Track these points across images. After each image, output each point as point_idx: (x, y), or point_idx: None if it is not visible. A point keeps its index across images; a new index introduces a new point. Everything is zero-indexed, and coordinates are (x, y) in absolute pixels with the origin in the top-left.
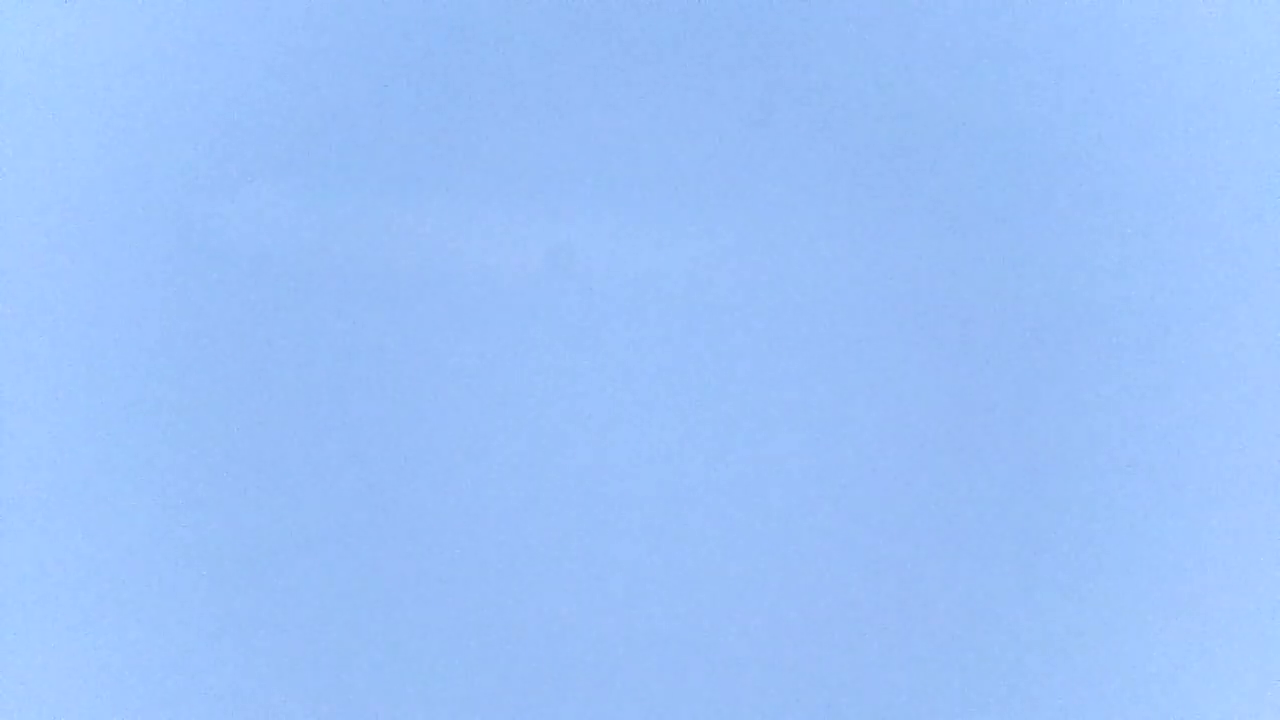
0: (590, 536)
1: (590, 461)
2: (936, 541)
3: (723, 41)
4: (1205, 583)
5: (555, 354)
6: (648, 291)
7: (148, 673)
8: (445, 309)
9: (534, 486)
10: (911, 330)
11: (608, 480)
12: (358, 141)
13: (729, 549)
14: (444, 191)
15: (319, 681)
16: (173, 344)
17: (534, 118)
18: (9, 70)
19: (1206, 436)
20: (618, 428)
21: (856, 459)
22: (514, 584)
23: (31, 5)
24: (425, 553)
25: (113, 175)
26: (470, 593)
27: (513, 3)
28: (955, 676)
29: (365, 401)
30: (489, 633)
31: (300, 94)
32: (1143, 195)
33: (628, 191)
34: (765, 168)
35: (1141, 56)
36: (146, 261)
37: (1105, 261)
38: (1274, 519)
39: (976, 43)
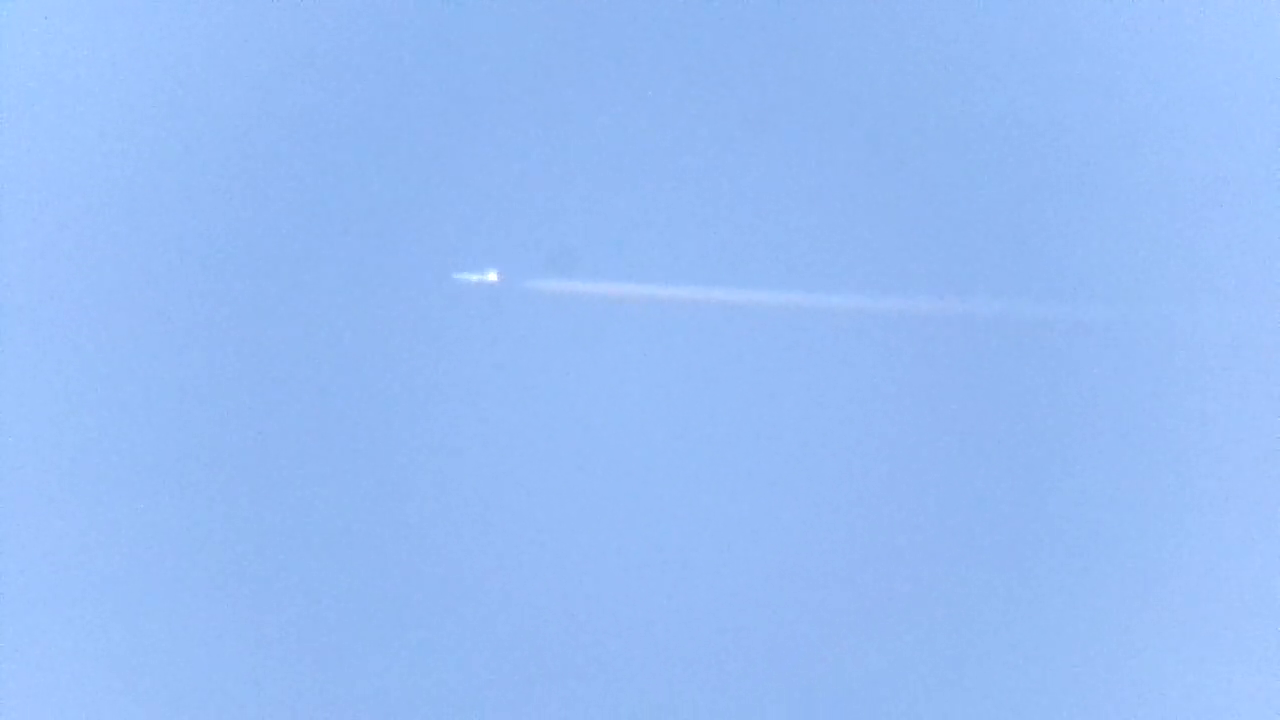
0: (589, 536)
1: (589, 461)
2: (936, 543)
3: (723, 43)
4: (1203, 584)
5: (556, 355)
6: (647, 293)
7: (147, 671)
8: (446, 310)
9: (532, 487)
10: (909, 328)
11: (605, 481)
12: (358, 143)
13: (728, 549)
14: (445, 193)
15: (319, 681)
16: (172, 345)
17: (534, 119)
18: (10, 70)
19: (1206, 437)
20: (617, 426)
21: (855, 456)
22: (509, 585)
23: (32, 5)
24: (423, 555)
25: (113, 175)
26: (466, 596)
27: (513, 4)
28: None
29: (365, 400)
30: (484, 639)
31: (301, 95)
32: (1141, 194)
33: (627, 193)
34: (764, 168)
35: (1140, 57)
36: (146, 261)
37: (1104, 262)
38: (1274, 519)
39: (976, 43)
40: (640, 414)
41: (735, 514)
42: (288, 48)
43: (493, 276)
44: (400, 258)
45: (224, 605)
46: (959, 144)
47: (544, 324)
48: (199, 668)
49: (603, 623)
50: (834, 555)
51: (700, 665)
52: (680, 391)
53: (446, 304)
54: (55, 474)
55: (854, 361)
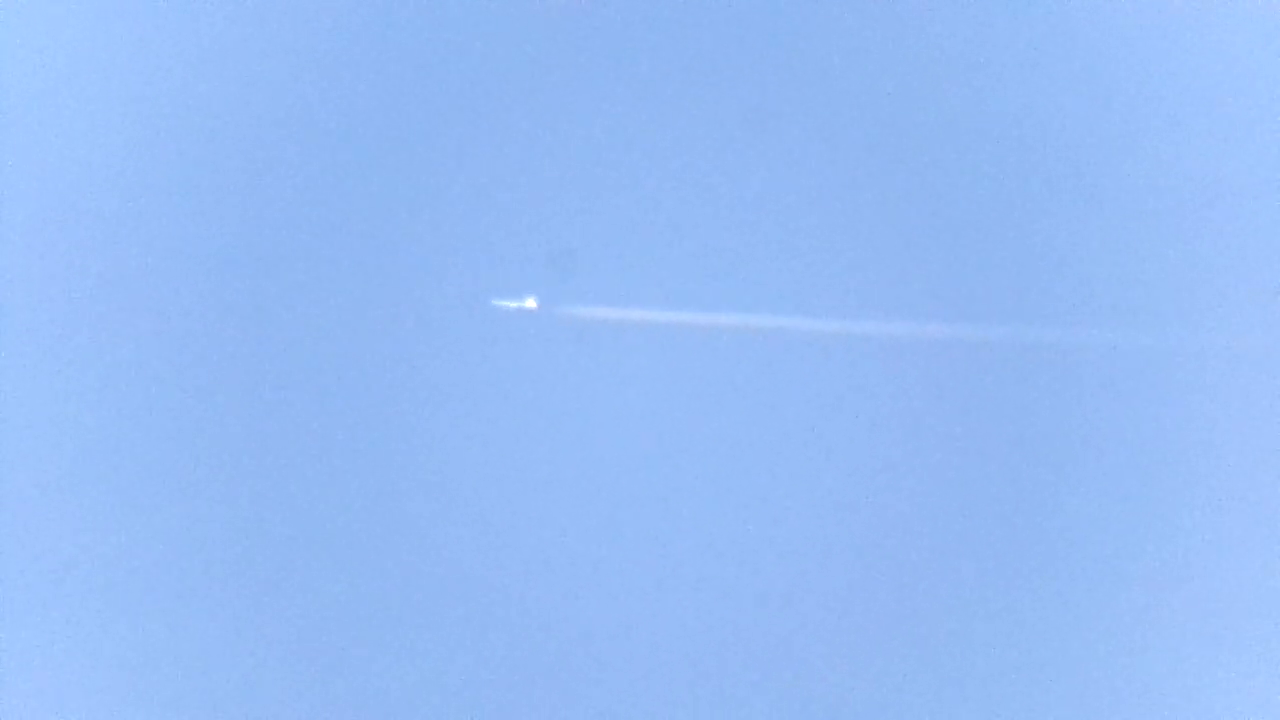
0: (589, 538)
1: (590, 461)
2: (936, 542)
3: (722, 43)
4: (1202, 585)
5: (592, 379)
6: (648, 294)
7: (147, 671)
8: (448, 311)
9: (532, 488)
10: (909, 328)
11: (605, 480)
12: (359, 144)
13: (731, 549)
14: (447, 194)
15: (319, 681)
16: (173, 345)
17: (535, 120)
18: (10, 70)
19: (1206, 437)
20: (619, 429)
21: (857, 459)
22: (507, 587)
23: (32, 5)
24: (422, 558)
25: (114, 175)
26: (465, 599)
27: (513, 5)
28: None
29: (365, 402)
30: (484, 640)
31: (301, 95)
32: (1139, 194)
33: (628, 194)
34: (764, 168)
35: (1140, 57)
36: (147, 261)
37: (1106, 282)
38: (1273, 519)
39: (977, 43)
40: (673, 436)
41: (774, 531)
42: (327, 63)
43: (531, 303)
44: (439, 283)
45: (265, 613)
46: (964, 165)
47: (581, 349)
48: (199, 668)
49: (651, 635)
50: (842, 566)
51: (703, 670)
52: (715, 414)
53: (486, 330)
54: (60, 474)
55: (883, 384)
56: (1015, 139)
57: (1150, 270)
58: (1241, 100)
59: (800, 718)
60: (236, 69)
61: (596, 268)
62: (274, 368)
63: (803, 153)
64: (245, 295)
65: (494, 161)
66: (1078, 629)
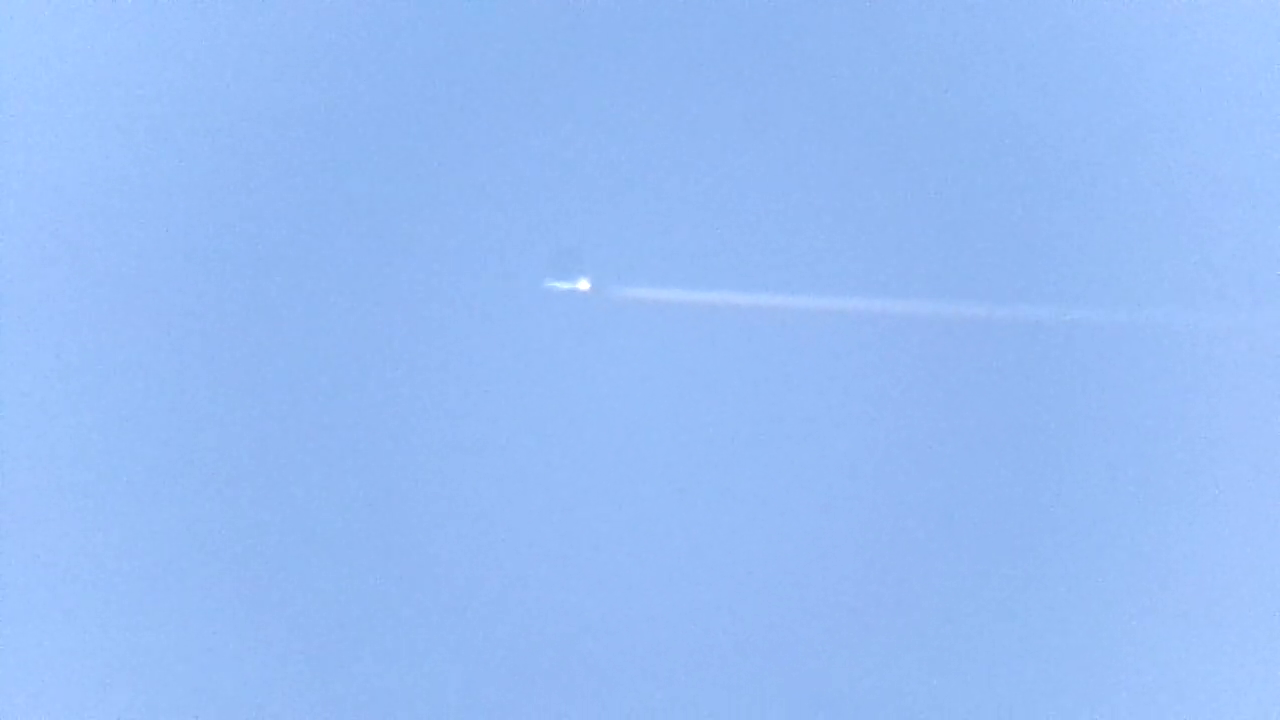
0: (589, 538)
1: (592, 461)
2: (945, 548)
3: (723, 43)
4: (1202, 584)
5: (559, 356)
6: (649, 293)
7: (148, 670)
8: (450, 312)
9: (534, 487)
10: (910, 328)
11: (608, 479)
12: (360, 144)
13: (733, 547)
14: (449, 194)
15: (319, 680)
16: (173, 345)
17: (537, 121)
18: (10, 70)
19: (1211, 442)
20: (621, 428)
21: (857, 454)
22: (508, 586)
23: (32, 5)
24: (422, 558)
25: (114, 175)
26: (466, 598)
27: (515, 6)
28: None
29: (366, 401)
30: (484, 639)
31: (303, 96)
32: (1146, 196)
33: (631, 194)
34: (764, 167)
35: (1141, 57)
36: (147, 261)
37: (1111, 265)
38: (1273, 519)
39: (977, 43)
40: (735, 421)
41: (805, 524)
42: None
43: (584, 285)
44: (491, 264)
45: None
46: (967, 148)
47: (635, 332)
48: (199, 667)
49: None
50: (847, 559)
51: (708, 671)
52: (777, 397)
53: (538, 311)
54: (59, 474)
55: (896, 368)
56: (1024, 120)
57: (1155, 249)
58: (1247, 75)
59: (825, 708)
60: (285, 66)
61: (649, 250)
62: (313, 357)
63: (857, 134)
64: (279, 285)
65: (545, 145)
66: (1082, 618)
